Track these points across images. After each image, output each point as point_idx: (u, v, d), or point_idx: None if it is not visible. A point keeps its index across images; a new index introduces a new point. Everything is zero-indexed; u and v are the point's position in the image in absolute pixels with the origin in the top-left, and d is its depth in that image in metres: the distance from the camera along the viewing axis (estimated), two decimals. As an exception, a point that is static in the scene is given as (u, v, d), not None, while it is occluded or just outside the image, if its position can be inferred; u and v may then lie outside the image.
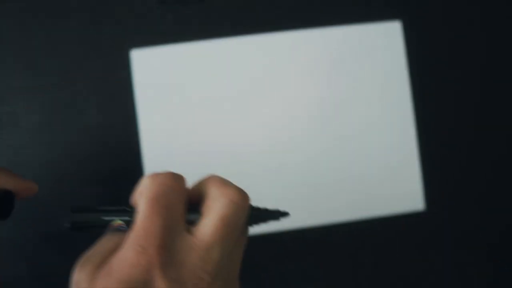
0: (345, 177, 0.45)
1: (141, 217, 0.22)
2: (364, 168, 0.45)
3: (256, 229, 0.41)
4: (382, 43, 0.45)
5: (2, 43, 0.44)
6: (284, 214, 0.28)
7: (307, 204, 0.45)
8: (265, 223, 0.29)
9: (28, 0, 0.44)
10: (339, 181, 0.45)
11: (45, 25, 0.44)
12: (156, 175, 0.24)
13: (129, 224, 0.24)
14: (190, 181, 0.46)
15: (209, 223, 0.23)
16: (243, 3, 0.45)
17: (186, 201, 0.24)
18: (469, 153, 0.46)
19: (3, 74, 0.44)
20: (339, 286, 0.45)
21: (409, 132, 0.45)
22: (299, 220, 0.45)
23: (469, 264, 0.46)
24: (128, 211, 0.24)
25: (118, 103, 0.43)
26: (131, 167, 0.44)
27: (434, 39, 0.46)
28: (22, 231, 0.44)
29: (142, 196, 0.23)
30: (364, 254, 0.45)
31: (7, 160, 0.44)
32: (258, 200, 0.40)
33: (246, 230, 0.27)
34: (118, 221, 0.24)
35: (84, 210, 0.25)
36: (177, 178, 0.25)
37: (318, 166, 0.45)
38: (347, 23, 0.45)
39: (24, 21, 0.44)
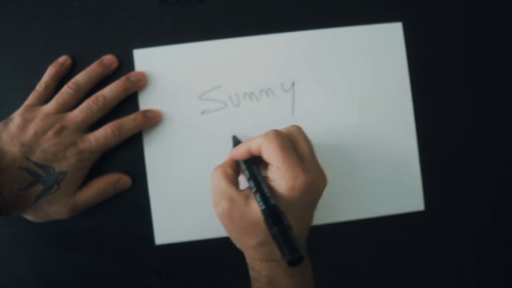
0: (345, 177, 0.45)
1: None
2: (364, 168, 0.45)
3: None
4: (383, 44, 0.45)
5: (2, 43, 0.44)
6: (294, 257, 0.31)
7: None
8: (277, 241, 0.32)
9: (28, 0, 0.44)
10: (339, 181, 0.45)
11: (46, 26, 0.44)
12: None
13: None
14: (190, 178, 0.46)
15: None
16: (242, 4, 0.45)
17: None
18: (469, 153, 0.46)
19: (3, 74, 0.44)
20: (339, 286, 0.46)
21: (410, 132, 0.45)
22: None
23: (469, 263, 0.46)
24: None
25: (120, 103, 0.43)
26: (132, 161, 0.44)
27: (434, 40, 0.46)
28: (25, 231, 0.44)
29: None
30: (364, 253, 0.46)
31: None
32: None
33: None
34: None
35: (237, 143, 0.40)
36: None
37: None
38: (349, 24, 0.45)
39: (25, 21, 0.44)
